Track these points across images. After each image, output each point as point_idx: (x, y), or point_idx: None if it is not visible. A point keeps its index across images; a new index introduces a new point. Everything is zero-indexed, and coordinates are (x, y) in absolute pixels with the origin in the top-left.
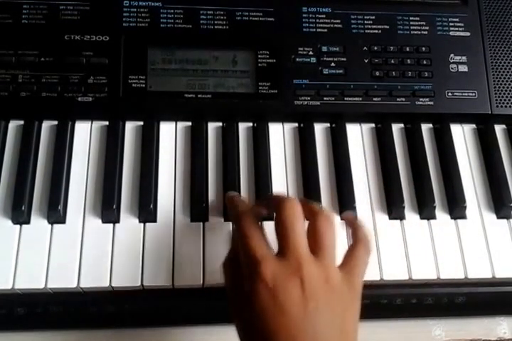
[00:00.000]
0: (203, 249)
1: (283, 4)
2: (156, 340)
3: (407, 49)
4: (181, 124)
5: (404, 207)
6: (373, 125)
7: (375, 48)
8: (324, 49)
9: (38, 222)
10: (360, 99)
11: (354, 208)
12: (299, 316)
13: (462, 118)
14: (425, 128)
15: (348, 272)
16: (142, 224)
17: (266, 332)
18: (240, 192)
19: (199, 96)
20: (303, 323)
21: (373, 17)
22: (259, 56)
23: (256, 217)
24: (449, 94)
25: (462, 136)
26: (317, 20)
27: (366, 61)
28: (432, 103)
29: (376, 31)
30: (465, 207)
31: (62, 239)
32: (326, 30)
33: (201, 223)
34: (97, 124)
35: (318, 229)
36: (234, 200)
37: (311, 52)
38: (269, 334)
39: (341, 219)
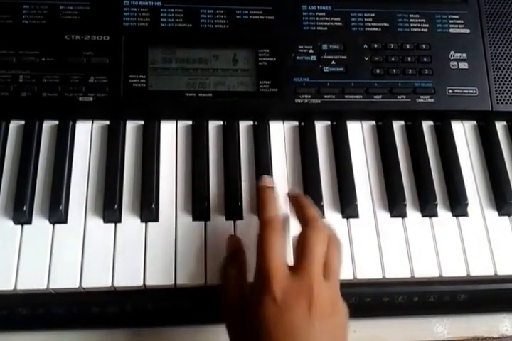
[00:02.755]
0: (205, 248)
1: (283, 2)
2: (156, 340)
3: (407, 46)
4: (182, 123)
5: (405, 205)
6: (374, 123)
7: (375, 46)
8: (324, 47)
9: (40, 222)
10: (361, 96)
11: (355, 206)
12: (303, 330)
13: (463, 116)
14: (426, 125)
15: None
16: (144, 224)
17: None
18: (240, 191)
19: (200, 95)
20: (305, 338)
21: (373, 15)
22: (260, 55)
23: (284, 225)
24: (450, 91)
25: (463, 133)
26: (317, 19)
27: (366, 59)
28: (432, 100)
29: (376, 29)
30: (467, 205)
31: (63, 239)
32: (326, 28)
33: (203, 222)
34: (98, 124)
35: (330, 254)
36: (266, 198)
37: (311, 51)
38: None
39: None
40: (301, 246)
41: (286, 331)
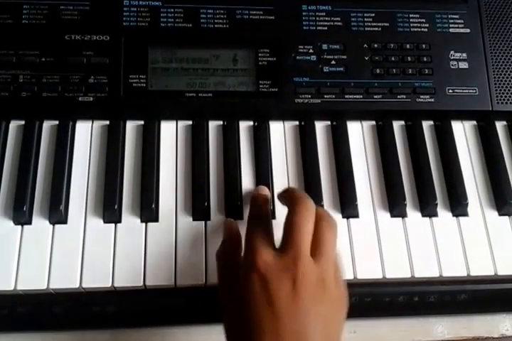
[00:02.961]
0: (205, 248)
1: (283, 2)
2: (156, 340)
3: (407, 46)
4: (182, 123)
5: (405, 205)
6: (374, 122)
7: (375, 46)
8: (324, 47)
9: (40, 223)
10: (361, 96)
11: (356, 206)
12: (286, 309)
13: (463, 115)
14: (426, 125)
15: (340, 282)
16: (144, 224)
17: (251, 320)
18: (240, 190)
19: (200, 95)
20: (288, 317)
21: (373, 14)
22: (260, 54)
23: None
24: (450, 90)
25: (463, 133)
26: (317, 18)
27: (366, 58)
28: (432, 100)
29: (376, 29)
30: (467, 204)
31: (63, 239)
32: (326, 28)
33: (203, 222)
34: (98, 124)
35: (320, 233)
36: (257, 198)
37: (311, 50)
38: (254, 323)
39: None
40: (289, 224)
41: (271, 308)
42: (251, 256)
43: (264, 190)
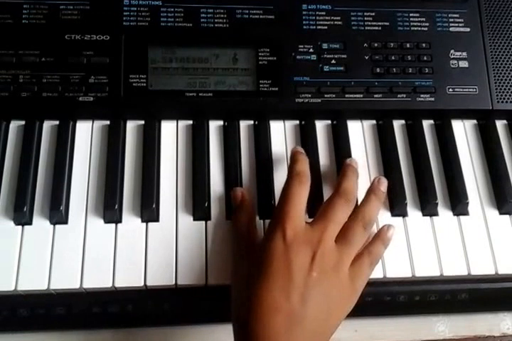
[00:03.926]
0: (206, 248)
1: (283, 2)
2: (156, 340)
3: (408, 45)
4: (182, 123)
5: (406, 204)
6: (374, 122)
7: (376, 45)
8: (324, 46)
9: (40, 223)
10: (361, 95)
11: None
12: (300, 279)
13: (463, 114)
14: (426, 124)
15: (356, 272)
16: (145, 224)
17: (264, 281)
18: None
19: (200, 94)
20: (299, 288)
21: (373, 14)
22: (260, 54)
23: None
24: (450, 90)
25: (463, 132)
26: (317, 18)
27: (367, 58)
28: (432, 99)
29: (376, 28)
30: (467, 204)
31: (64, 239)
32: (326, 27)
33: (204, 222)
34: (98, 124)
35: (350, 227)
36: (298, 156)
37: (311, 50)
38: (265, 284)
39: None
40: (324, 206)
41: (285, 269)
42: (283, 219)
43: (302, 149)
